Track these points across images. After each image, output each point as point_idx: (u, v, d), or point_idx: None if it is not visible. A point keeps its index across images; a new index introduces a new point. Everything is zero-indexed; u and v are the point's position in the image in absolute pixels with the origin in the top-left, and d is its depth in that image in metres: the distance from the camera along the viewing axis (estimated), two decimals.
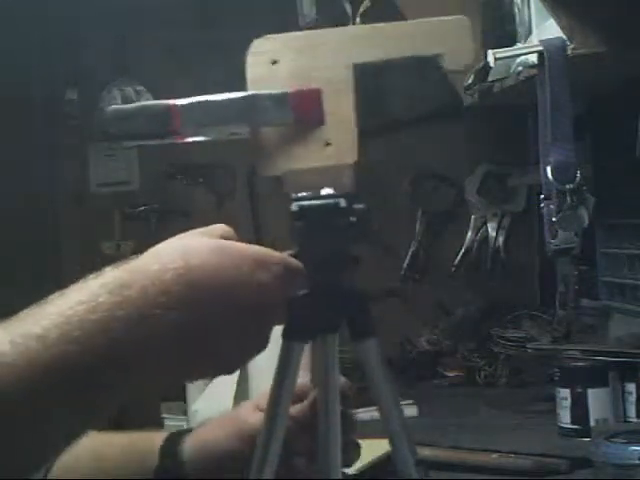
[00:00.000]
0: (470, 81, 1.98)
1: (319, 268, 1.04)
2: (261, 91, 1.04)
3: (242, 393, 2.04)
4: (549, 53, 1.63)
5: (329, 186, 1.04)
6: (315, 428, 1.09)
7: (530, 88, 1.71)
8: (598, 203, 1.69)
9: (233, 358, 0.99)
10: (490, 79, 1.92)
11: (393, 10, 2.13)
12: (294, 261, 1.01)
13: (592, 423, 1.96)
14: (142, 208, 3.05)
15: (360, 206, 1.04)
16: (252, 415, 1.29)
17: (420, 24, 1.09)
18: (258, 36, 1.12)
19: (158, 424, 2.51)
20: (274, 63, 1.07)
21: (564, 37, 1.65)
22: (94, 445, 1.37)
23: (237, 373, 2.05)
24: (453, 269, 2.94)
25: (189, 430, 1.38)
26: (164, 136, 1.04)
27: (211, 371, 1.00)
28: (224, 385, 2.09)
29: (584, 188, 1.65)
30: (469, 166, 2.98)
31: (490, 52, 1.71)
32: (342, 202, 1.03)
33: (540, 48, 1.65)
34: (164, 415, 2.53)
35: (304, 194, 1.04)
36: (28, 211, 2.99)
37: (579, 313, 2.51)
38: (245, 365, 1.01)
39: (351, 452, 1.26)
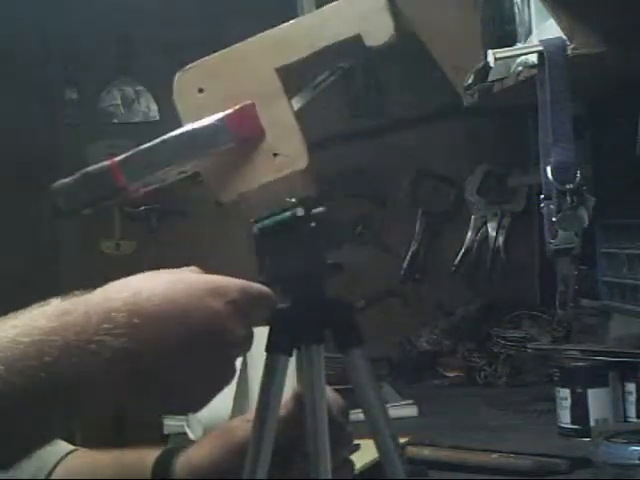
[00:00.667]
0: (470, 81, 1.98)
1: (295, 281, 1.03)
2: (195, 123, 1.03)
3: (241, 395, 2.03)
4: (549, 53, 1.62)
5: (287, 196, 1.02)
6: (302, 425, 1.09)
7: (530, 88, 1.70)
8: (598, 203, 1.69)
9: (196, 390, 0.96)
10: (490, 79, 1.92)
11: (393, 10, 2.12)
12: (255, 286, 0.98)
13: (592, 423, 1.95)
14: (142, 208, 3.04)
15: (319, 209, 1.02)
16: (241, 428, 1.29)
17: (334, 7, 1.07)
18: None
19: (157, 424, 2.51)
20: (201, 91, 1.05)
21: (564, 37, 1.65)
22: (87, 462, 1.38)
23: (236, 374, 2.05)
24: (453, 269, 2.95)
25: (183, 447, 1.38)
26: (114, 196, 1.03)
27: (173, 404, 0.97)
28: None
29: (584, 188, 1.64)
30: (469, 166, 2.98)
31: (490, 52, 1.71)
32: (299, 211, 1.01)
33: (540, 48, 1.64)
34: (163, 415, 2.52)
35: (263, 214, 1.02)
36: (27, 210, 2.98)
37: (579, 313, 2.51)
38: (212, 399, 0.98)
39: (344, 469, 1.27)
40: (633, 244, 2.26)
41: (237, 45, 1.07)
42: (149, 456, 1.36)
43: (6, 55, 2.78)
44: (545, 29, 1.76)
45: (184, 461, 1.33)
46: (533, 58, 1.69)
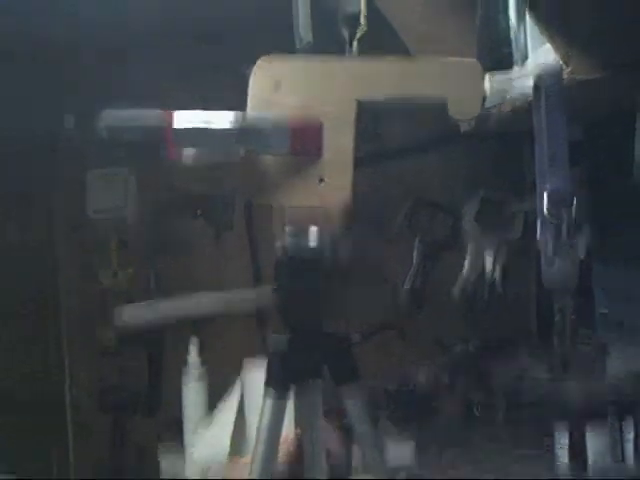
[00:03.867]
0: None
1: (298, 311, 1.01)
2: (261, 114, 1.01)
3: (239, 434, 2.02)
4: (545, 78, 1.61)
5: (320, 224, 1.01)
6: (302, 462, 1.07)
7: (526, 114, 1.69)
8: (595, 232, 1.67)
9: None
10: (487, 106, 1.91)
11: (390, 34, 2.12)
12: None
13: (590, 461, 1.93)
14: (139, 237, 3.04)
15: (345, 254, 1.02)
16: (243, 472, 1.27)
17: (430, 64, 1.06)
18: (257, 57, 1.10)
19: (155, 465, 2.49)
20: (277, 85, 1.04)
21: (560, 62, 1.64)
22: None
23: (234, 415, 2.03)
24: (450, 297, 2.92)
25: None
26: (156, 145, 1.01)
27: None
28: (221, 427, 2.08)
29: (580, 218, 1.63)
30: (466, 193, 2.95)
31: (486, 76, 1.69)
32: (327, 247, 1.00)
33: (536, 73, 1.63)
34: (161, 455, 2.50)
35: (292, 232, 1.01)
36: (26, 237, 2.98)
37: (577, 347, 2.49)
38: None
39: None
40: (630, 276, 2.24)
41: (329, 59, 1.05)
42: None
43: (4, 83, 2.78)
44: (541, 54, 1.75)
45: None
46: (529, 83, 1.68)
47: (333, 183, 1.03)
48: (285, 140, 1.02)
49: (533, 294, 2.91)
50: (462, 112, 1.05)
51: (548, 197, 1.63)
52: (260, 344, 2.56)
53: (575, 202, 1.62)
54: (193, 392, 2.69)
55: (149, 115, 1.02)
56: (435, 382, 2.78)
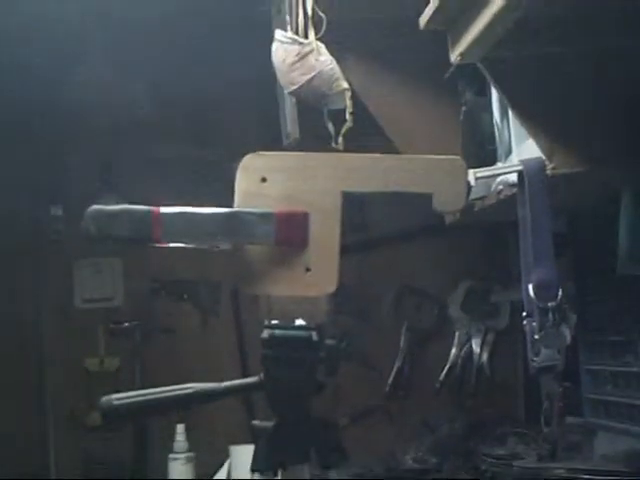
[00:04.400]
0: None
1: (285, 398, 1.03)
2: (247, 208, 1.04)
3: None
4: (528, 173, 1.63)
5: (306, 312, 1.03)
6: None
7: (511, 206, 1.71)
8: (581, 320, 1.68)
9: None
10: (471, 198, 1.93)
11: (375, 130, 2.15)
12: None
13: None
14: (126, 324, 3.03)
15: (331, 342, 1.03)
16: None
17: (414, 161, 1.09)
18: (243, 154, 1.13)
19: None
20: (263, 181, 1.07)
21: (543, 157, 1.66)
22: None
23: None
24: (438, 385, 2.93)
25: None
26: (144, 241, 1.03)
27: None
28: None
29: (566, 306, 1.64)
30: (452, 282, 2.98)
31: (471, 172, 1.71)
32: (314, 336, 1.02)
33: (520, 168, 1.65)
34: None
35: (277, 322, 1.03)
36: (12, 325, 2.98)
37: (564, 430, 2.49)
38: None
39: None
40: (616, 361, 2.26)
41: (314, 154, 1.08)
42: None
43: None
44: (525, 148, 1.77)
45: None
46: (513, 177, 1.71)
47: (319, 272, 1.05)
48: (271, 230, 1.04)
49: (521, 380, 2.92)
50: (446, 206, 1.08)
51: (533, 289, 1.64)
52: (247, 429, 2.55)
53: (560, 292, 1.63)
54: (180, 476, 2.69)
55: (136, 211, 1.04)
56: (422, 463, 2.78)
